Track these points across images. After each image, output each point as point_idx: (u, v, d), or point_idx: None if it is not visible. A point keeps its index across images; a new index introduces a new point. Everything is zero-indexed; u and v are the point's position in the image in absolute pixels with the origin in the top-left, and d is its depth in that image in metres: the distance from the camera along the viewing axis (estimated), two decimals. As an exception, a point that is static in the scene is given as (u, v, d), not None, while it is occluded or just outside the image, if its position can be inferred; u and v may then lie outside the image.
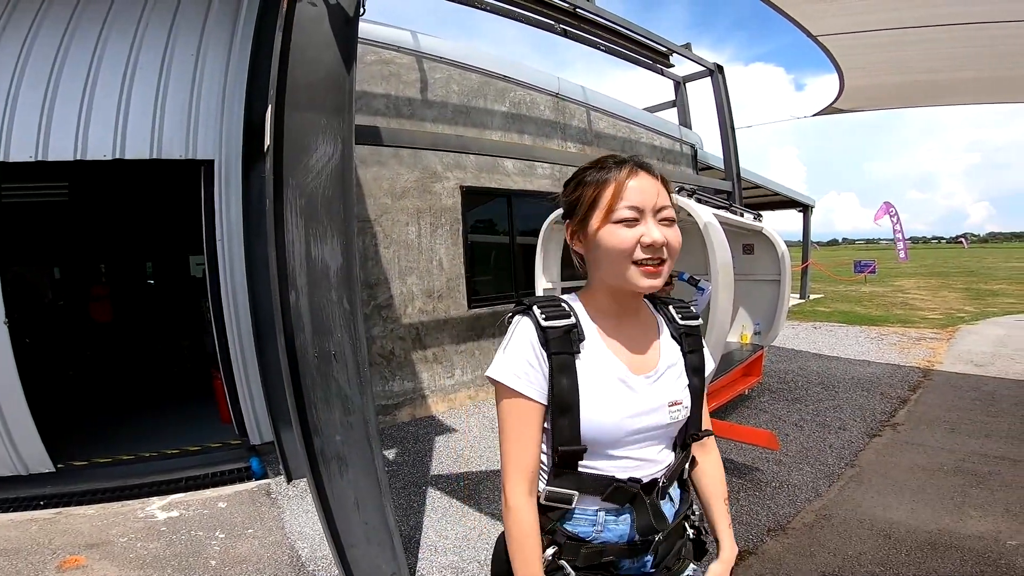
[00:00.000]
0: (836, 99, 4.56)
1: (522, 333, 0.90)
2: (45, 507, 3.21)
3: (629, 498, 0.91)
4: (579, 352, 0.89)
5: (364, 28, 4.66)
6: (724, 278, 3.41)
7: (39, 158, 3.12)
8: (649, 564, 0.97)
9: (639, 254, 0.84)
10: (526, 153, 5.14)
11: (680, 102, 8.23)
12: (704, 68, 7.62)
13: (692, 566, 1.04)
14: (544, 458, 0.94)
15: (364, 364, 2.14)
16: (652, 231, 0.84)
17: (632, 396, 0.90)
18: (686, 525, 1.02)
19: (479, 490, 3.43)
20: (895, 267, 26.65)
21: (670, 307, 1.05)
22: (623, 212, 0.84)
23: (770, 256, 5.00)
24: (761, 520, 2.86)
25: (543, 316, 0.89)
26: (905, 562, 2.40)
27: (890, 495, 3.06)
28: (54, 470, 3.47)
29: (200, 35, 3.52)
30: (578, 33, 6.67)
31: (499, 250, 5.61)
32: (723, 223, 4.32)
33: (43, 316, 6.81)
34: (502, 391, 0.90)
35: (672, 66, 7.72)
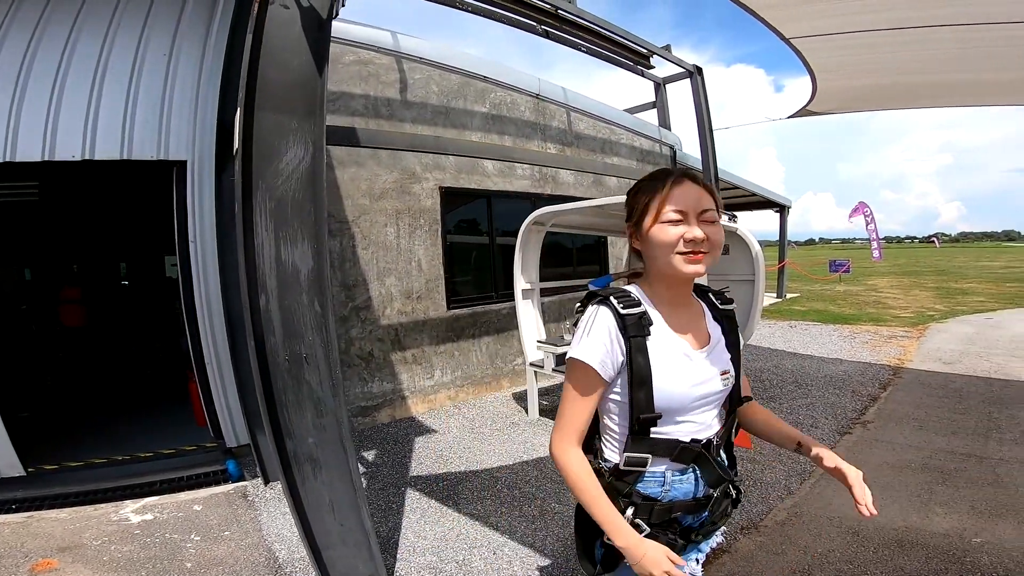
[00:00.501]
0: (809, 102, 4.67)
1: (603, 319, 1.04)
2: (16, 511, 3.16)
3: (694, 457, 1.09)
4: (650, 335, 1.05)
5: (342, 28, 4.68)
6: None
7: (6, 159, 3.07)
8: (706, 519, 1.16)
9: (682, 247, 1.02)
10: (505, 154, 5.19)
11: (660, 103, 8.34)
12: (684, 70, 7.73)
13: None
14: (616, 428, 1.11)
15: (336, 366, 2.15)
16: (693, 229, 1.01)
17: (694, 367, 1.08)
18: (730, 486, 1.18)
19: (458, 491, 3.45)
20: (869, 266, 27.21)
21: (710, 295, 1.24)
22: (669, 214, 1.02)
23: (744, 256, 5.11)
24: (734, 518, 2.90)
25: (621, 305, 1.05)
26: (872, 560, 2.46)
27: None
28: (24, 474, 3.42)
29: (173, 36, 3.48)
30: (559, 34, 6.71)
31: (479, 251, 5.63)
32: None
33: (12, 318, 6.66)
34: (579, 366, 1.05)
35: (652, 67, 7.82)
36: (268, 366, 1.93)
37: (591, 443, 1.19)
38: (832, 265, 18.12)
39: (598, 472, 1.10)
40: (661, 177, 1.08)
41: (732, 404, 1.19)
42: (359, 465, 3.92)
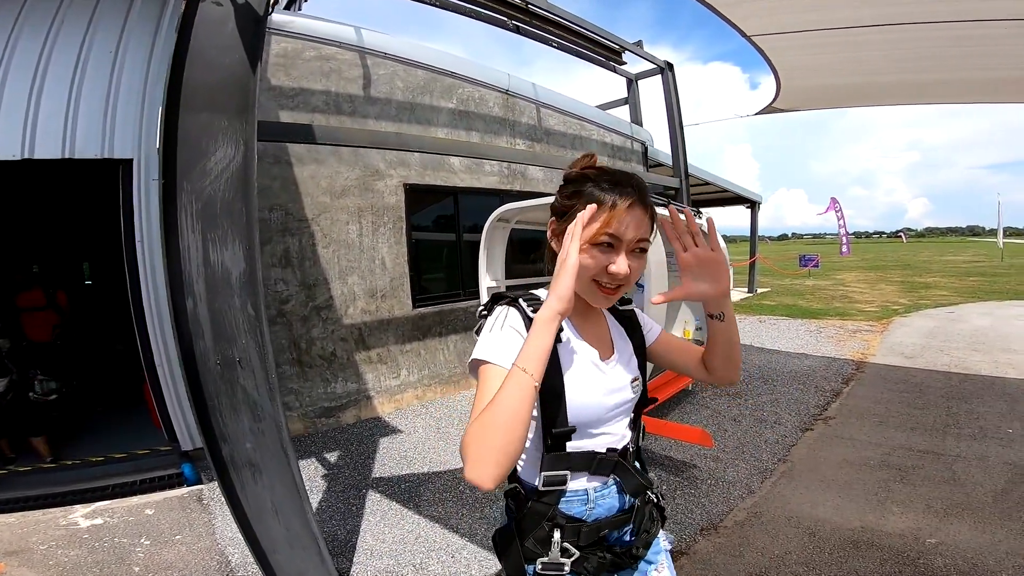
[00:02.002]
0: (774, 99, 4.72)
1: (511, 321, 0.94)
2: (-38, 516, 3.08)
3: (612, 467, 1.02)
4: (560, 342, 0.96)
5: (304, 24, 4.62)
6: (658, 277, 3.50)
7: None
8: (630, 532, 1.08)
9: (602, 276, 0.92)
10: (473, 150, 5.15)
11: (632, 99, 8.37)
12: (655, 66, 7.77)
13: (662, 531, 1.18)
14: (528, 446, 0.98)
15: (272, 371, 2.12)
16: (620, 263, 0.91)
17: (604, 377, 1.02)
18: (650, 492, 1.12)
19: (420, 492, 3.44)
20: (838, 261, 27.76)
21: None
22: (603, 238, 0.90)
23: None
24: (695, 519, 2.94)
25: (530, 308, 0.94)
26: (828, 561, 2.47)
27: (818, 491, 3.17)
28: (-30, 480, 3.33)
29: (120, 33, 3.38)
30: (530, 30, 6.69)
31: (446, 248, 5.60)
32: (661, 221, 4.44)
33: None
34: (488, 370, 0.89)
35: (624, 63, 7.85)
36: (198, 370, 1.89)
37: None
38: (802, 260, 18.34)
39: (516, 495, 1.02)
40: (612, 190, 0.92)
41: (639, 410, 1.13)
42: (321, 467, 3.93)
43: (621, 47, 7.67)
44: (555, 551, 0.98)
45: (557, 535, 0.98)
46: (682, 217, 0.95)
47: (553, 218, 1.03)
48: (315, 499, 3.36)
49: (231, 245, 1.91)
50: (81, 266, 8.57)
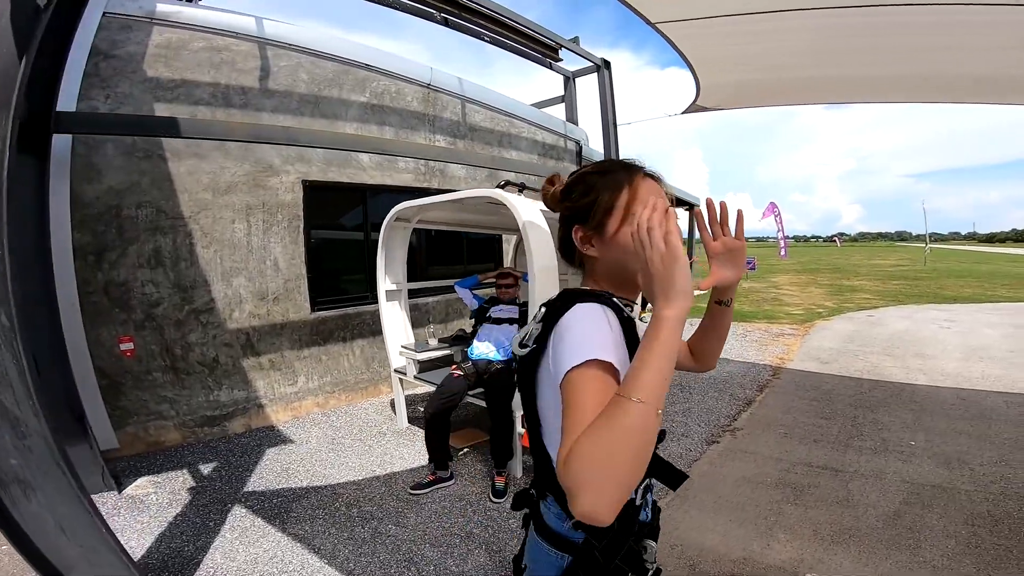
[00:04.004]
0: (696, 96, 4.39)
1: (611, 318, 0.78)
2: None
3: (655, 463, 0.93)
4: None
5: (193, 14, 4.04)
6: (543, 283, 3.07)
7: None
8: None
9: None
10: (385, 147, 4.70)
11: (568, 97, 8.00)
12: (592, 63, 7.45)
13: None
14: None
15: (33, 384, 1.74)
16: None
17: None
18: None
19: (291, 508, 3.06)
20: (775, 264, 28.36)
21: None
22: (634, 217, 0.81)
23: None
24: None
25: (628, 308, 0.87)
26: None
27: (710, 514, 2.89)
28: None
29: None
30: (460, 23, 6.25)
31: (352, 248, 5.10)
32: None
33: None
34: (597, 368, 0.69)
35: (560, 60, 7.47)
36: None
37: (547, 487, 0.88)
38: (739, 263, 18.30)
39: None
40: (619, 171, 0.90)
41: None
42: (191, 479, 3.46)
43: (557, 44, 7.28)
44: (650, 562, 0.88)
45: (652, 546, 0.90)
46: (717, 208, 0.91)
47: (576, 224, 0.92)
48: (171, 513, 3.00)
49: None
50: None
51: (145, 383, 3.84)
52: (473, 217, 4.54)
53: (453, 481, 3.36)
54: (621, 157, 1.03)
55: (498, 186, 3.33)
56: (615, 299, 0.84)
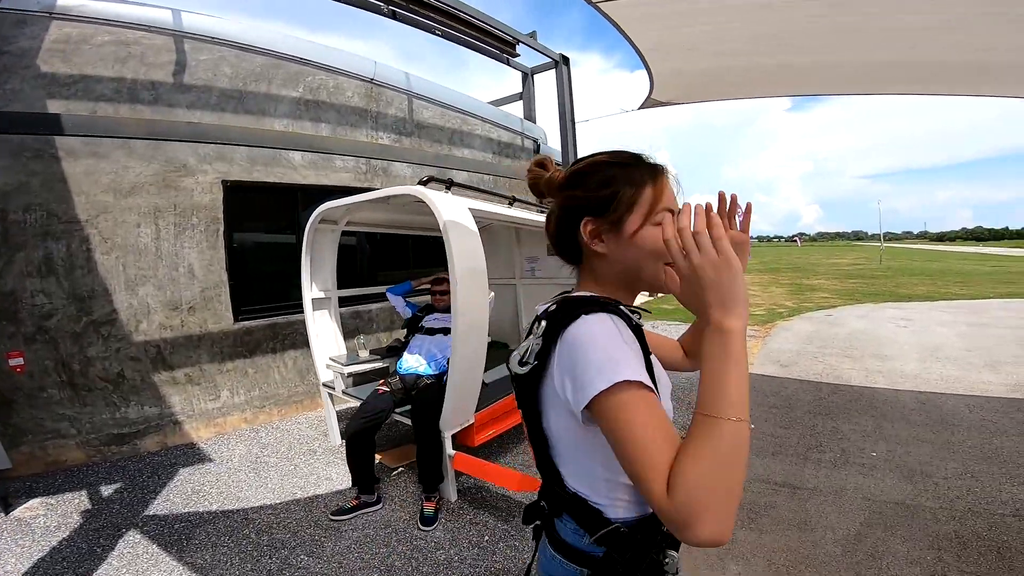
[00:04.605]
0: (651, 90, 4.11)
1: (621, 328, 0.73)
2: None
3: None
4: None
5: (99, 8, 3.49)
6: (468, 289, 2.79)
7: None
8: None
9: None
10: (320, 144, 4.40)
11: (526, 94, 7.72)
12: (550, 59, 7.19)
13: None
14: (617, 476, 0.76)
15: None
16: None
17: (669, 386, 0.90)
18: None
19: (194, 534, 2.76)
20: None
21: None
22: (660, 215, 0.80)
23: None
24: None
25: (636, 316, 0.83)
26: None
27: None
28: None
29: None
30: (409, 16, 5.93)
31: (283, 253, 4.69)
32: (502, 221, 3.79)
33: None
34: (628, 393, 0.65)
35: (518, 56, 7.20)
36: None
37: (561, 505, 0.83)
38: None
39: (617, 535, 0.78)
40: (642, 166, 0.83)
41: None
42: (88, 501, 3.14)
43: (515, 39, 7.00)
44: (671, 573, 0.81)
45: (675, 556, 0.81)
46: (728, 200, 0.90)
47: (588, 217, 0.83)
48: (57, 538, 2.75)
49: None
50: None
51: (39, 400, 3.44)
52: (408, 218, 4.22)
53: (380, 506, 3.05)
54: (633, 151, 0.88)
55: (420, 182, 3.03)
56: (622, 307, 0.78)
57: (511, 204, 3.85)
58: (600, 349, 0.68)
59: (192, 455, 3.87)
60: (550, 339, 0.74)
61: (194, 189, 3.99)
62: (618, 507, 0.79)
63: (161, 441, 3.93)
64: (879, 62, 3.18)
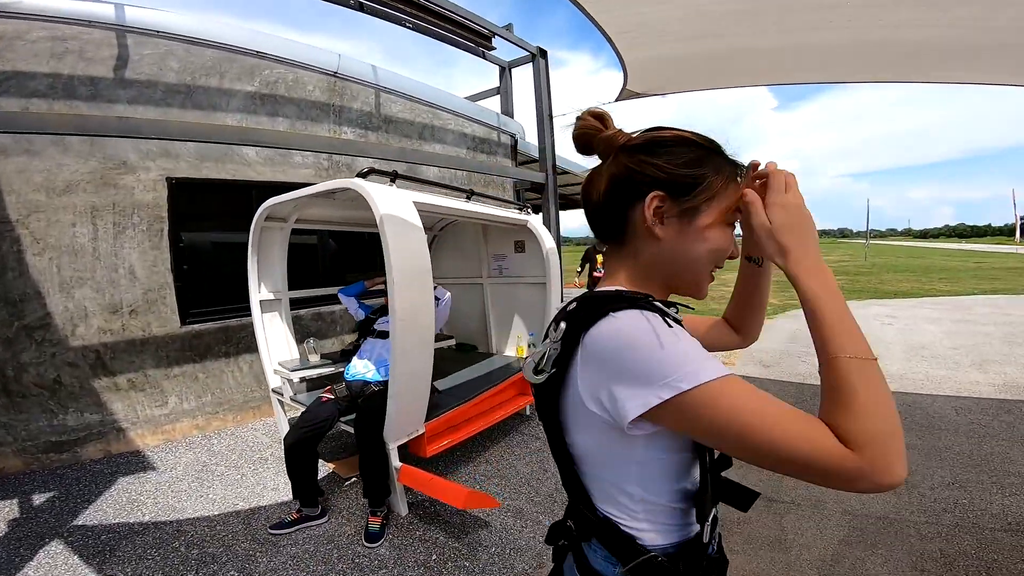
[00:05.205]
0: (625, 80, 3.88)
1: (657, 325, 0.62)
2: None
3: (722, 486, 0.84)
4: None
5: (35, 4, 3.22)
6: (406, 293, 2.60)
7: None
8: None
9: (722, 261, 0.77)
10: (276, 139, 4.15)
11: (504, 89, 7.49)
12: (527, 52, 6.98)
13: None
14: (672, 499, 0.70)
15: None
16: (734, 244, 0.77)
17: None
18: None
19: (120, 546, 2.63)
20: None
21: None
22: (735, 214, 0.73)
23: (537, 256, 4.39)
24: None
25: (674, 310, 0.77)
26: None
27: None
28: None
29: None
30: (376, 7, 5.72)
31: (235, 253, 4.47)
32: (457, 216, 3.61)
33: None
34: (731, 381, 0.59)
35: (494, 49, 6.97)
36: None
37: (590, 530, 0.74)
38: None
39: (654, 566, 0.67)
40: (729, 158, 0.74)
41: None
42: (17, 510, 3.00)
43: (490, 31, 6.79)
44: None
45: None
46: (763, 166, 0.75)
47: (660, 193, 0.70)
48: None
49: None
50: None
51: (-30, 409, 3.26)
52: (360, 214, 4.02)
53: (325, 519, 2.87)
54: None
55: (359, 175, 2.84)
56: (657, 302, 0.69)
57: (468, 198, 3.67)
58: (643, 348, 0.60)
59: (135, 463, 3.70)
60: (570, 342, 0.66)
61: (135, 187, 3.79)
62: (656, 533, 0.71)
63: (104, 448, 3.75)
64: (870, 42, 2.94)
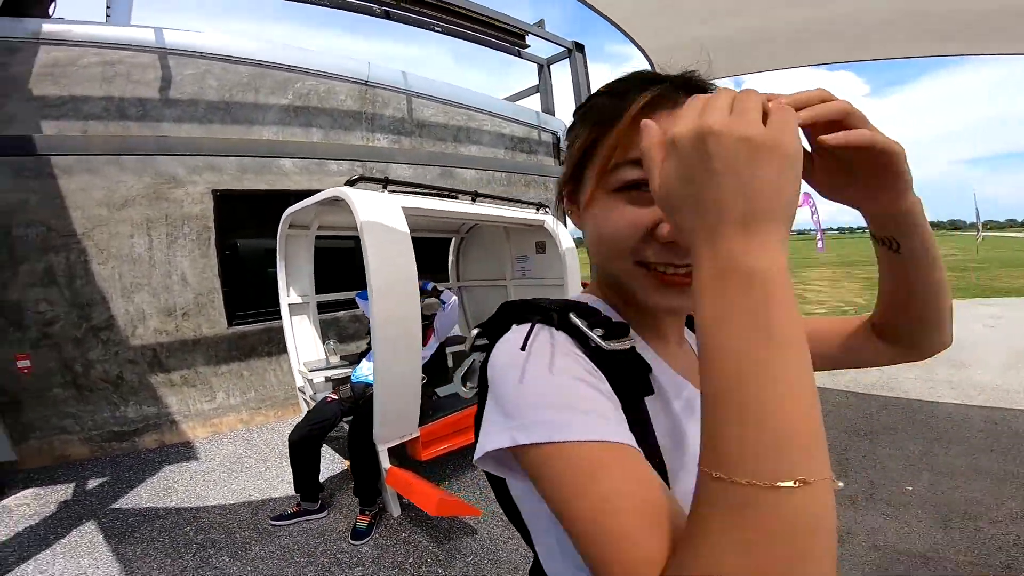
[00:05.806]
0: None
1: (561, 349, 0.46)
2: None
3: None
4: (652, 392, 0.50)
5: (85, 32, 3.72)
6: (386, 307, 2.57)
7: None
8: None
9: (647, 250, 0.47)
10: (310, 150, 4.43)
11: (543, 86, 7.35)
12: (563, 48, 6.79)
13: None
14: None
15: None
16: None
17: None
18: None
19: (138, 528, 2.90)
20: (811, 257, 25.87)
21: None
22: (626, 172, 0.46)
23: (558, 256, 4.22)
24: None
25: (585, 324, 0.47)
26: None
27: None
28: None
29: None
30: (403, 14, 5.85)
31: (275, 258, 4.82)
32: (456, 216, 3.54)
33: None
34: (581, 449, 0.39)
35: (528, 47, 6.88)
36: None
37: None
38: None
39: None
40: (624, 89, 0.49)
41: None
42: (71, 493, 3.39)
43: (523, 30, 6.70)
44: None
45: None
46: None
47: (563, 184, 0.57)
48: (24, 525, 2.95)
49: None
50: None
51: (46, 399, 3.73)
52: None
53: (324, 514, 2.96)
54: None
55: (347, 182, 2.89)
56: (573, 316, 0.48)
57: (474, 200, 3.62)
58: (507, 379, 0.44)
59: (183, 453, 4.02)
60: (486, 358, 0.51)
61: (184, 200, 4.14)
62: None
63: (159, 439, 4.14)
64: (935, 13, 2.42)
